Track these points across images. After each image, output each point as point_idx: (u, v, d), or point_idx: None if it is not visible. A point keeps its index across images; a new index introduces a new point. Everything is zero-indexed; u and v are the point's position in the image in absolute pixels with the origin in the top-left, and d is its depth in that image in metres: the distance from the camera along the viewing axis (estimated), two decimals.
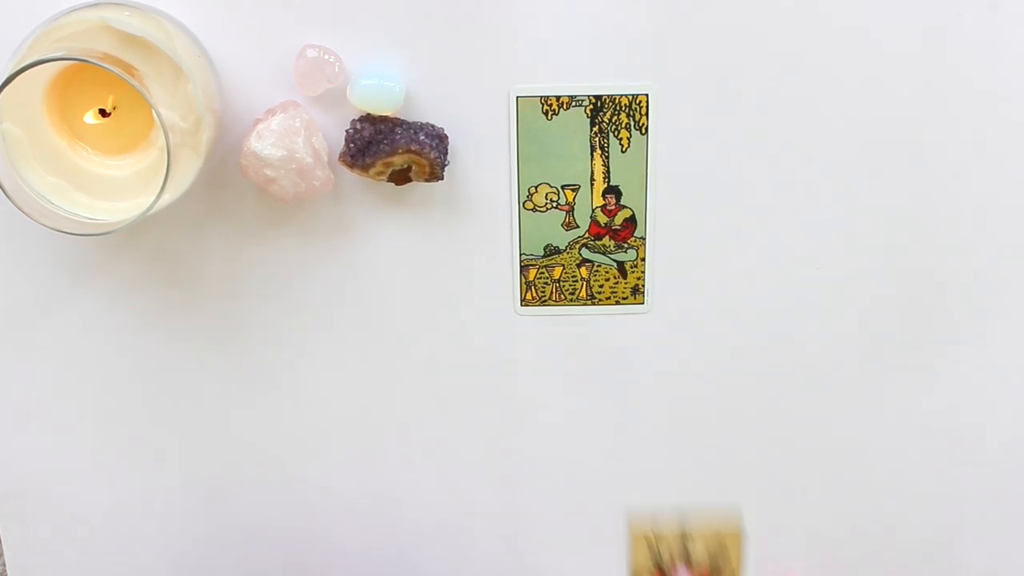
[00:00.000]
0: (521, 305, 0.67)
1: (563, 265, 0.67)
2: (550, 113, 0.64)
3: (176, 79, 0.56)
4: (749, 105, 0.65)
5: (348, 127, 0.63)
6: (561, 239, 0.67)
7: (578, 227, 0.67)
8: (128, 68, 0.54)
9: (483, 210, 0.65)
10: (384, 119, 0.62)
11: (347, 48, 0.62)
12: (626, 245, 0.67)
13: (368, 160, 0.63)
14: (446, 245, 0.66)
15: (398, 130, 0.62)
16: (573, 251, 0.67)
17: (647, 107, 0.65)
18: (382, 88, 0.62)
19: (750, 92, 0.64)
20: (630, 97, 0.65)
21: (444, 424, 0.69)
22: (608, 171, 0.66)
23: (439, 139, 0.63)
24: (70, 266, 0.65)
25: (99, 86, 0.58)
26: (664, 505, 0.71)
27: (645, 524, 0.61)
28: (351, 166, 0.63)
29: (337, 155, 0.63)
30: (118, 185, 0.59)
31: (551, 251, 0.67)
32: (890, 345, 0.69)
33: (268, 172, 0.61)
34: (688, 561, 0.60)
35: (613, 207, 0.66)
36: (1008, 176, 0.66)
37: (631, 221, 0.67)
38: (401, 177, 0.63)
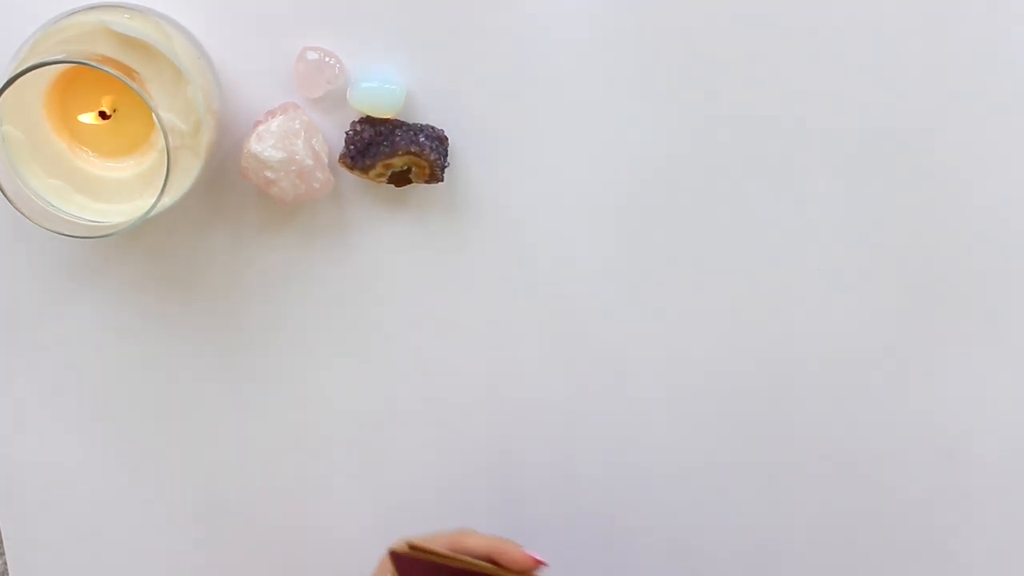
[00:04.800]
0: None
1: None
2: None
3: (176, 81, 0.56)
4: (750, 106, 0.65)
5: (348, 129, 0.63)
6: None
7: None
8: (128, 71, 0.54)
9: (483, 211, 0.65)
10: (384, 121, 0.63)
11: (347, 50, 0.62)
12: None
13: (368, 162, 0.63)
14: (446, 246, 0.66)
15: (398, 132, 0.62)
16: None
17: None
18: (382, 90, 0.62)
19: (751, 93, 0.64)
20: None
21: (444, 424, 0.69)
22: None
23: (439, 141, 0.63)
24: (70, 267, 0.65)
25: (99, 88, 0.58)
26: (664, 505, 0.71)
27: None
28: (351, 168, 0.63)
29: (337, 157, 0.63)
30: (118, 187, 0.59)
31: None
32: (890, 346, 0.69)
33: (268, 174, 0.61)
34: None
35: None
36: (1009, 177, 0.66)
37: None
38: (401, 179, 0.63)
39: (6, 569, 0.70)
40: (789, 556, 0.72)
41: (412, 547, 0.58)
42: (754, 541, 0.71)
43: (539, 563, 0.58)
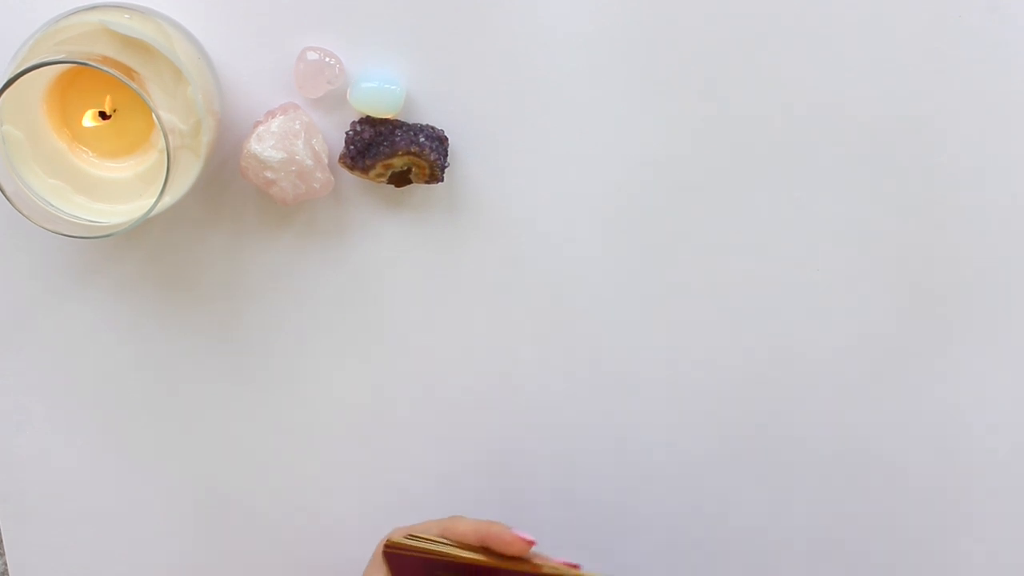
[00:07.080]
0: None
1: None
2: None
3: (176, 82, 0.56)
4: (751, 106, 0.65)
5: (348, 129, 0.63)
6: None
7: None
8: (128, 71, 0.54)
9: (483, 211, 0.65)
10: (384, 121, 0.63)
11: (347, 50, 0.62)
12: None
13: (368, 162, 0.63)
14: (446, 247, 0.66)
15: (398, 132, 0.62)
16: None
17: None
18: (382, 90, 0.62)
19: (752, 93, 0.64)
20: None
21: (444, 424, 0.69)
22: None
23: (439, 141, 0.63)
24: (70, 267, 0.65)
25: (99, 89, 0.58)
26: (665, 504, 0.71)
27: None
28: (351, 168, 0.63)
29: (337, 157, 0.63)
30: (118, 187, 0.59)
31: None
32: (891, 346, 0.69)
33: (268, 174, 0.61)
34: None
35: None
36: (1009, 177, 0.66)
37: None
38: (401, 179, 0.63)
39: (6, 569, 0.70)
40: (789, 555, 0.72)
41: (410, 536, 0.58)
42: (754, 540, 0.71)
43: (530, 543, 0.58)
